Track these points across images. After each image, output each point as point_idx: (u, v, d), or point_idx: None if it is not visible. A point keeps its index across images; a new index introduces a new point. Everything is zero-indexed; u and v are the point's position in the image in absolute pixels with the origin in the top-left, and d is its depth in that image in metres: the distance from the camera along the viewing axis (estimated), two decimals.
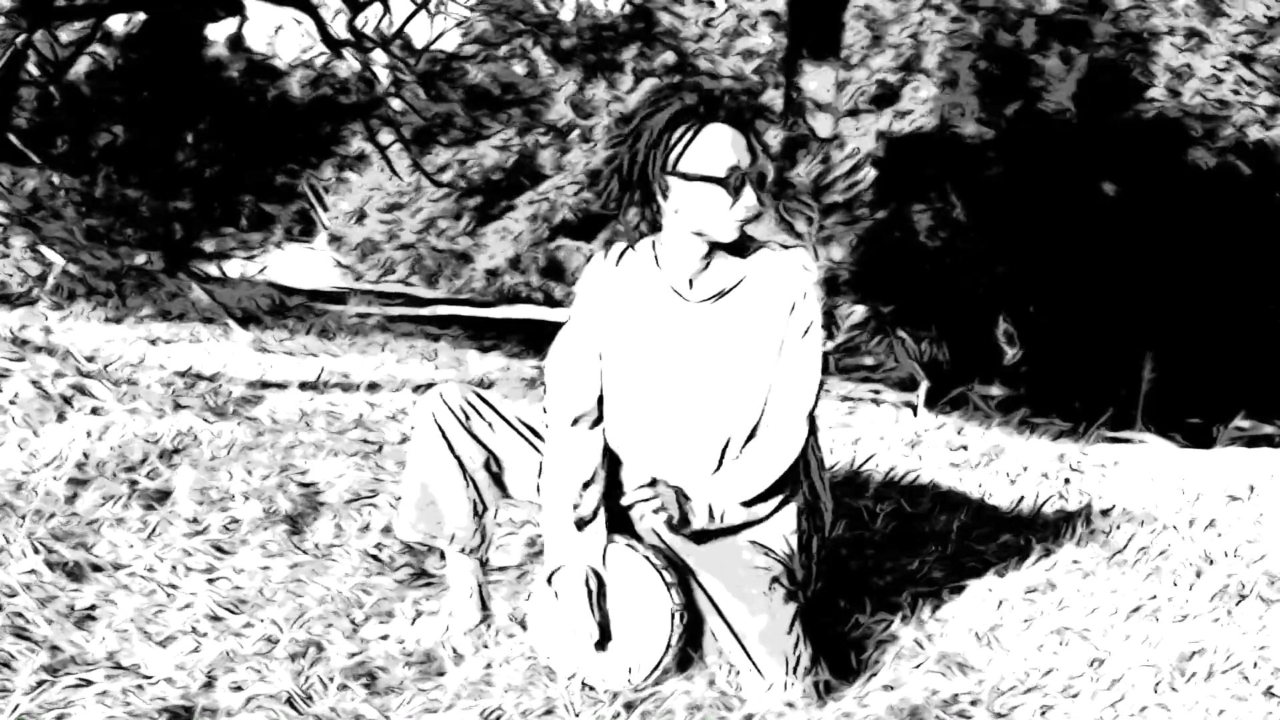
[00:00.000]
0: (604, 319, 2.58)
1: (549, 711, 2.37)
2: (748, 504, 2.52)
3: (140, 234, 9.79)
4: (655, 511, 2.42)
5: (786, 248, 2.57)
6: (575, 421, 2.58)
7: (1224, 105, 15.23)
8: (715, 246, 2.50)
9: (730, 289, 2.51)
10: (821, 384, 2.55)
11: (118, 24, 10.99)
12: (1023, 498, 4.31)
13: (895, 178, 15.57)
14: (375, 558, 3.09)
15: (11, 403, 4.07)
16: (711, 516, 2.48)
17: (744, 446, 2.53)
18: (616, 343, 2.57)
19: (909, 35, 17.20)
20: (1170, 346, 14.32)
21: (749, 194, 2.43)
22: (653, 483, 2.45)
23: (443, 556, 2.84)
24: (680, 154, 2.41)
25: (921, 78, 17.02)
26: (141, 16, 10.79)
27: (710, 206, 2.43)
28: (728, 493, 2.50)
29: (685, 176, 2.42)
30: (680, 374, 2.52)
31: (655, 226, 2.51)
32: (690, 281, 2.52)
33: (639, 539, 2.55)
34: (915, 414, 6.37)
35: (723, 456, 2.53)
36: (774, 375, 2.51)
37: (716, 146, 2.41)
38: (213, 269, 10.28)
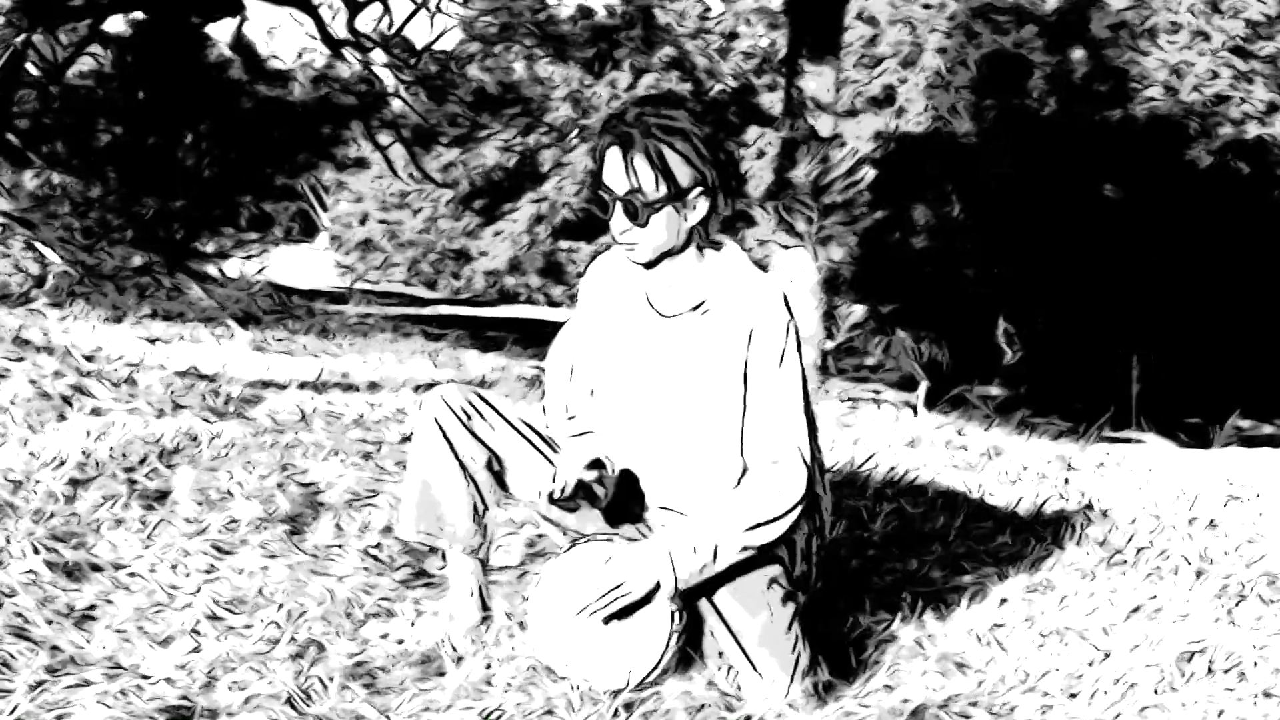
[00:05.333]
0: (593, 321, 2.60)
1: (549, 711, 2.37)
2: (749, 529, 2.43)
3: (140, 234, 9.79)
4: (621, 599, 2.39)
5: (786, 248, 2.57)
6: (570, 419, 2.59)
7: (1221, 101, 15.23)
8: (677, 260, 2.48)
9: (700, 304, 2.49)
10: (809, 410, 2.50)
11: (117, 24, 10.99)
12: (1022, 498, 4.31)
13: (895, 178, 15.57)
14: (375, 558, 3.09)
15: (11, 403, 4.07)
16: (679, 582, 2.39)
17: (728, 468, 2.49)
18: (598, 348, 2.58)
19: (908, 35, 17.20)
20: (1170, 346, 14.33)
21: (617, 218, 2.42)
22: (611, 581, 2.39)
23: (443, 556, 2.84)
24: (599, 170, 2.46)
25: (920, 77, 17.01)
26: (141, 16, 10.79)
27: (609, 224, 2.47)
28: (725, 528, 2.40)
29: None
30: (646, 385, 2.52)
31: None
32: (665, 293, 2.51)
33: (637, 538, 2.55)
34: (915, 414, 6.37)
35: (697, 470, 2.51)
36: (748, 406, 2.44)
37: (605, 166, 2.43)
38: (213, 269, 10.28)
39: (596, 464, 2.53)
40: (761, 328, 2.43)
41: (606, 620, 2.43)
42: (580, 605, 2.44)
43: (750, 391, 2.45)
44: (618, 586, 2.39)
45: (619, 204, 2.41)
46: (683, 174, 2.40)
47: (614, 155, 2.41)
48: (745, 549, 2.41)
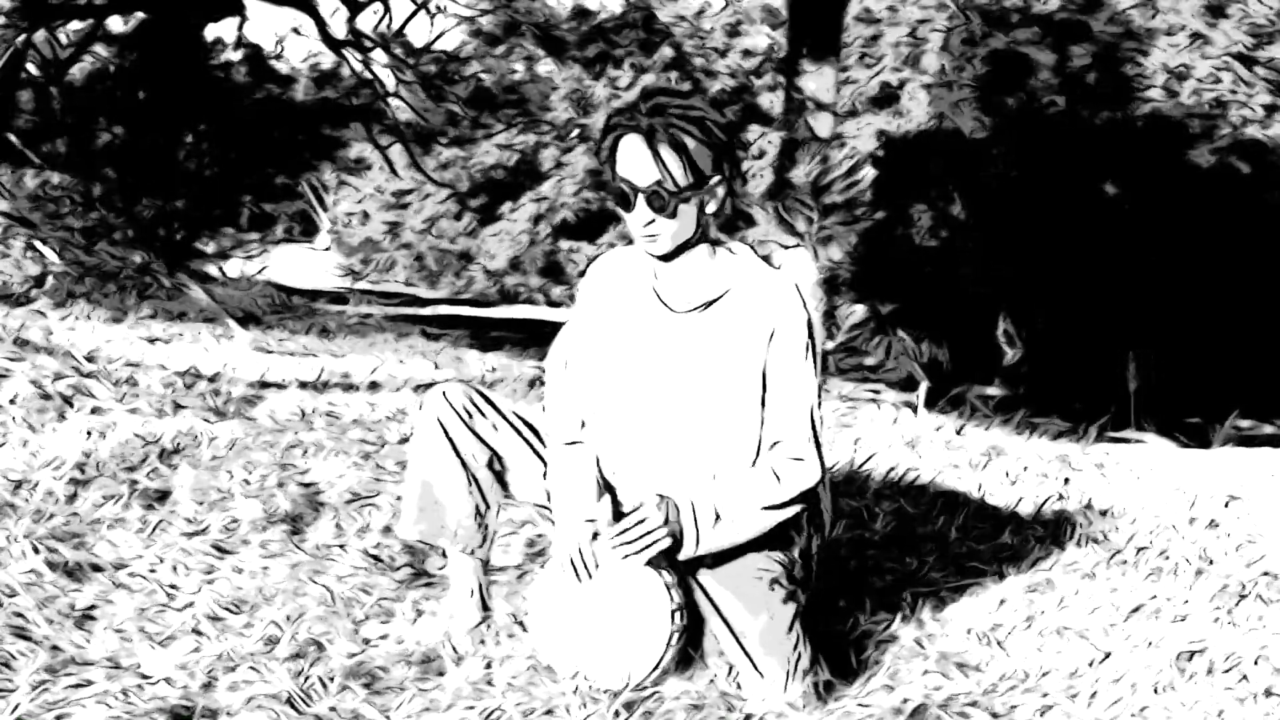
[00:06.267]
0: (598, 320, 2.59)
1: (549, 711, 2.37)
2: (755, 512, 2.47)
3: (140, 234, 9.78)
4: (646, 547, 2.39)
5: (786, 248, 2.56)
6: (569, 423, 2.59)
7: (1222, 105, 15.24)
8: (689, 255, 2.48)
9: (714, 300, 2.48)
10: (817, 407, 2.51)
11: (118, 24, 10.98)
12: (1023, 498, 4.31)
13: (895, 177, 15.56)
14: (375, 558, 3.09)
15: (11, 403, 4.07)
16: (699, 541, 2.43)
17: (739, 462, 2.49)
18: (603, 347, 2.57)
19: (908, 34, 17.20)
20: (1170, 346, 14.33)
21: (641, 210, 2.39)
22: (636, 508, 2.40)
23: (443, 556, 2.84)
24: (612, 162, 2.42)
25: (921, 77, 17.01)
26: (141, 16, 10.79)
27: (626, 217, 2.44)
28: (738, 503, 2.43)
29: (608, 185, 2.47)
30: (658, 382, 2.51)
31: None
32: (676, 289, 2.51)
33: None
34: (915, 414, 6.36)
35: (702, 469, 2.52)
36: (764, 399, 2.45)
37: (622, 158, 2.40)
38: (213, 269, 10.28)
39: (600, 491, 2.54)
40: (785, 325, 2.43)
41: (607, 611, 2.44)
42: (579, 619, 2.45)
43: (771, 387, 2.46)
44: (644, 525, 2.39)
45: (643, 196, 2.39)
46: (704, 162, 2.39)
47: (635, 146, 2.37)
48: (759, 526, 2.44)
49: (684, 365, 2.49)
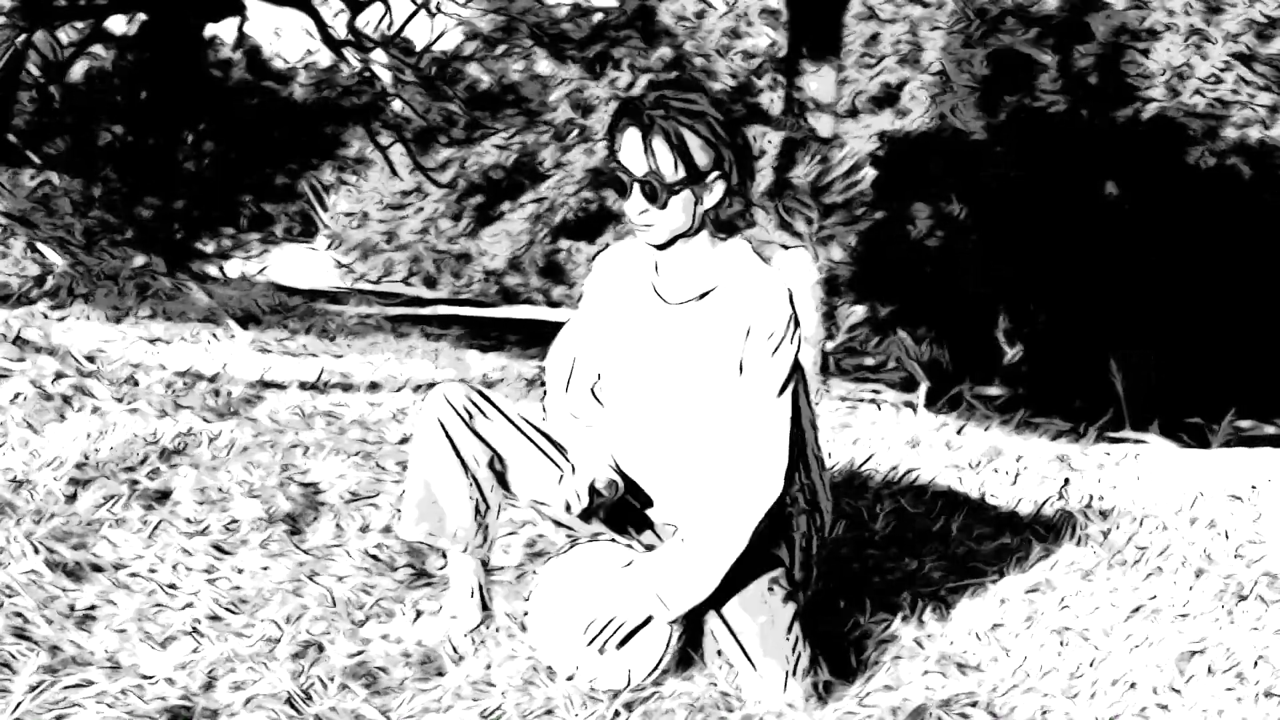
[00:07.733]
0: (600, 312, 2.61)
1: (549, 711, 2.37)
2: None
3: (140, 234, 9.79)
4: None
5: (786, 248, 2.57)
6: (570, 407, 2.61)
7: (1224, 105, 15.22)
8: (689, 248, 2.49)
9: (705, 294, 2.50)
10: (809, 409, 2.52)
11: (118, 24, 10.99)
12: (1022, 498, 4.31)
13: (895, 177, 15.57)
14: (375, 558, 3.09)
15: (11, 402, 4.07)
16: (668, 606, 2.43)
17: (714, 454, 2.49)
18: (604, 337, 2.60)
19: (908, 34, 17.20)
20: (1170, 346, 14.33)
21: (635, 199, 2.43)
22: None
23: (444, 556, 2.84)
24: (616, 151, 2.46)
25: (921, 77, 17.01)
26: (142, 16, 10.79)
27: (624, 205, 2.48)
28: (708, 544, 2.41)
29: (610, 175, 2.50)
30: (649, 371, 2.53)
31: None
32: (672, 282, 2.52)
33: (638, 540, 2.55)
34: (915, 414, 6.37)
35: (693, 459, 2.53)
36: (735, 400, 2.46)
37: (623, 148, 2.44)
38: (213, 269, 10.30)
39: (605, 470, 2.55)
40: (759, 322, 2.44)
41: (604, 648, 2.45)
42: (579, 619, 2.46)
43: (741, 383, 2.46)
44: (611, 621, 2.43)
45: (637, 185, 2.42)
46: (701, 157, 2.41)
47: (633, 137, 2.42)
48: (734, 554, 2.41)
49: (673, 356, 2.51)
